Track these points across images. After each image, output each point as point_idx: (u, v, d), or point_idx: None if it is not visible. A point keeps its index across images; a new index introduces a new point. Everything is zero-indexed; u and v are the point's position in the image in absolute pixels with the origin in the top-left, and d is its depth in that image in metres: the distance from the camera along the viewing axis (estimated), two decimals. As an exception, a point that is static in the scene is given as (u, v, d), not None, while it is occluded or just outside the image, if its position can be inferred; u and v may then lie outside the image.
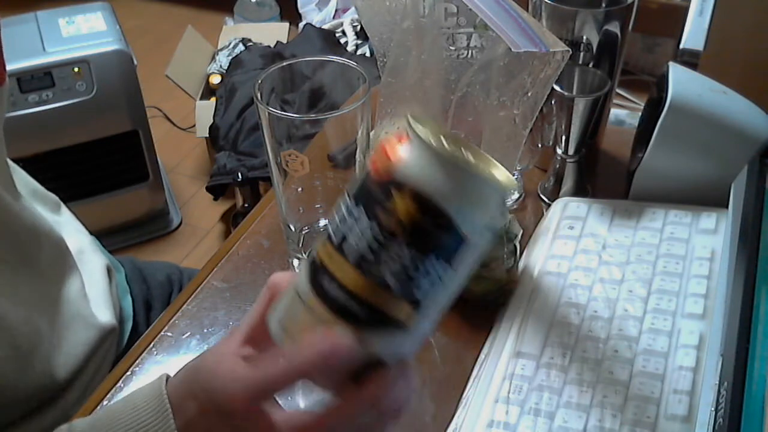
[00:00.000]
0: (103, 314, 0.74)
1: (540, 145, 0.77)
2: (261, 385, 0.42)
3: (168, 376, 0.47)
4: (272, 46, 2.06)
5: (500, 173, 0.39)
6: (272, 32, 2.19)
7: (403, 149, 0.38)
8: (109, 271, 0.80)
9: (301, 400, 0.56)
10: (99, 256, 0.81)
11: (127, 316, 0.82)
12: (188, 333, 0.66)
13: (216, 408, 0.43)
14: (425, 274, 0.38)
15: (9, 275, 0.64)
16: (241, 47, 2.05)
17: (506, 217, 0.41)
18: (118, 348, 0.78)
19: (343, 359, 0.40)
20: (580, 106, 0.70)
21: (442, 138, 0.38)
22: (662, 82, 0.71)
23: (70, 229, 0.80)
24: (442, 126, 0.40)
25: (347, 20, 2.16)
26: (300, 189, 0.64)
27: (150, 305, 0.86)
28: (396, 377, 0.41)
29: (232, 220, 1.90)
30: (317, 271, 0.40)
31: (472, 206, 0.38)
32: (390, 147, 0.38)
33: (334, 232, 0.40)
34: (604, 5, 0.72)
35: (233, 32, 2.18)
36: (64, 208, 0.83)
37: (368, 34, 0.63)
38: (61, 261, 0.73)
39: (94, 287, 0.76)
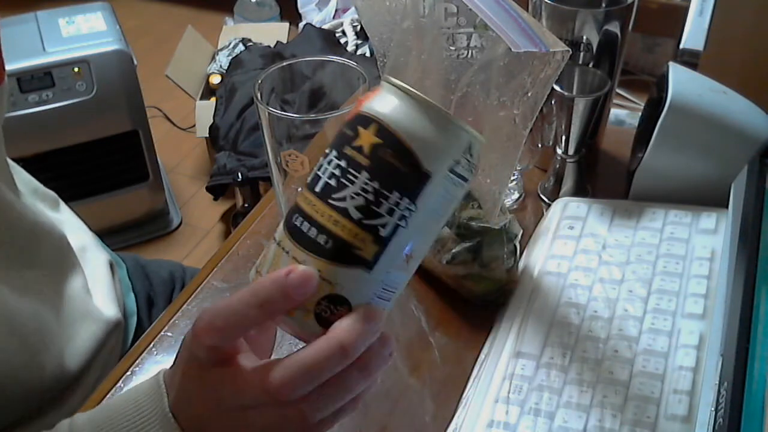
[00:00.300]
0: (108, 309, 0.75)
1: (540, 145, 0.77)
2: (220, 315, 0.41)
3: (166, 370, 0.47)
4: (272, 46, 2.06)
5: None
6: (272, 32, 2.19)
7: (373, 94, 0.41)
8: (111, 266, 0.81)
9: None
10: (101, 252, 0.81)
11: (130, 312, 0.82)
12: (188, 333, 0.66)
13: (190, 358, 0.43)
14: (388, 210, 0.39)
15: (14, 273, 0.65)
16: (241, 47, 2.05)
17: (476, 172, 0.42)
18: (123, 345, 0.78)
19: (302, 290, 0.40)
20: (580, 106, 0.70)
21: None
22: (662, 82, 0.71)
23: (71, 226, 0.81)
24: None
25: (347, 20, 2.16)
26: (300, 189, 0.64)
27: (152, 302, 0.86)
28: (363, 324, 0.40)
29: (232, 220, 1.90)
30: (290, 213, 0.42)
31: (435, 144, 0.40)
32: (364, 96, 0.41)
33: (311, 177, 0.42)
34: (604, 5, 0.72)
35: (233, 32, 2.19)
36: (63, 206, 0.83)
37: (368, 34, 0.63)
38: (63, 258, 0.73)
39: (97, 283, 0.76)
